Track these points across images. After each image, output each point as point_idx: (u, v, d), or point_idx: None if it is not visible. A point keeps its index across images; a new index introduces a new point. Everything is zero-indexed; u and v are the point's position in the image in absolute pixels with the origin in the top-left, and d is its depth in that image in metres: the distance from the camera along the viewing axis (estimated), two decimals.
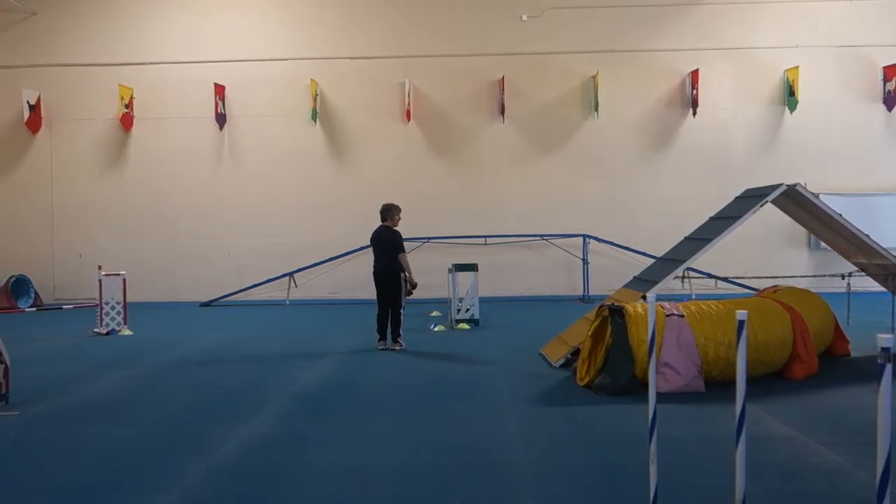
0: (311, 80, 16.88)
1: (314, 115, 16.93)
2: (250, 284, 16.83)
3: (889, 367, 2.69)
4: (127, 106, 17.07)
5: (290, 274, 16.80)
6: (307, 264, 16.81)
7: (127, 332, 12.23)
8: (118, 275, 12.48)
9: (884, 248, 9.02)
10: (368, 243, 10.68)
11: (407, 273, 10.19)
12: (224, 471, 5.26)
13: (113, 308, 12.34)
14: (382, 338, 10.31)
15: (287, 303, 16.58)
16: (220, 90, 17.01)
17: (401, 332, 10.32)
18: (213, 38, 17.29)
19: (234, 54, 17.22)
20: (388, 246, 10.20)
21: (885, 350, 2.69)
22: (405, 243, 10.44)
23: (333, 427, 6.38)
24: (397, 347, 10.23)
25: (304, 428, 6.38)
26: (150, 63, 17.28)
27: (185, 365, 9.44)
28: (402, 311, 10.33)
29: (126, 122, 17.15)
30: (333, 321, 13.58)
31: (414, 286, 10.30)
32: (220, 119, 17.13)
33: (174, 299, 16.90)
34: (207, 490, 4.90)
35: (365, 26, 17.24)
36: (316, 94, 16.92)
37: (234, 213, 17.27)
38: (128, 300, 12.56)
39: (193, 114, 17.17)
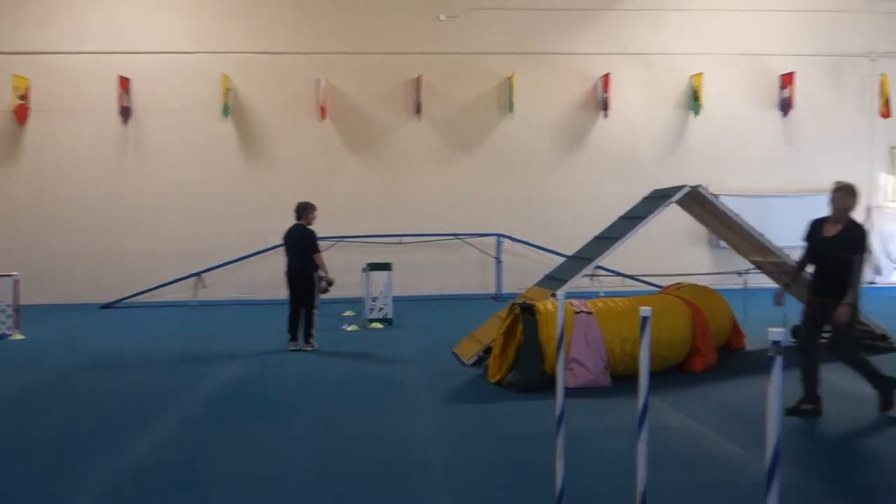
0: (223, 74, 16.46)
1: (226, 111, 16.50)
2: (155, 285, 16.28)
3: (779, 359, 2.83)
4: (22, 97, 16.22)
5: (199, 274, 16.36)
6: (216, 264, 16.39)
7: (18, 336, 11.60)
8: (9, 276, 11.83)
9: (777, 247, 9.47)
10: (281, 242, 10.52)
11: (323, 272, 10.10)
12: (125, 482, 5.08)
13: (3, 311, 11.69)
14: (294, 338, 10.16)
15: (194, 304, 16.15)
16: (124, 83, 16.38)
17: (314, 332, 10.20)
18: (118, 27, 16.61)
19: (141, 45, 16.59)
20: (301, 245, 10.08)
21: (776, 343, 2.82)
22: (319, 242, 10.33)
23: (243, 431, 6.25)
24: (309, 348, 10.11)
25: (213, 433, 6.22)
26: (48, 52, 16.46)
27: (83, 370, 9.06)
28: (315, 311, 10.21)
29: (20, 114, 16.27)
30: (244, 322, 13.30)
31: (331, 284, 10.22)
32: (125, 113, 16.49)
33: (73, 301, 16.12)
34: (111, 499, 4.73)
35: (280, 21, 16.93)
36: (228, 89, 16.51)
37: (140, 211, 16.64)
38: (21, 302, 11.93)
39: (95, 107, 16.43)
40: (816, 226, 6.52)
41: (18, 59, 16.32)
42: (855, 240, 6.25)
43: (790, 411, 6.22)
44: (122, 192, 16.62)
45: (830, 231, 6.36)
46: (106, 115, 16.44)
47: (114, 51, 16.51)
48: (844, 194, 6.32)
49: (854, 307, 6.21)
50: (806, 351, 6.44)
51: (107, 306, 15.91)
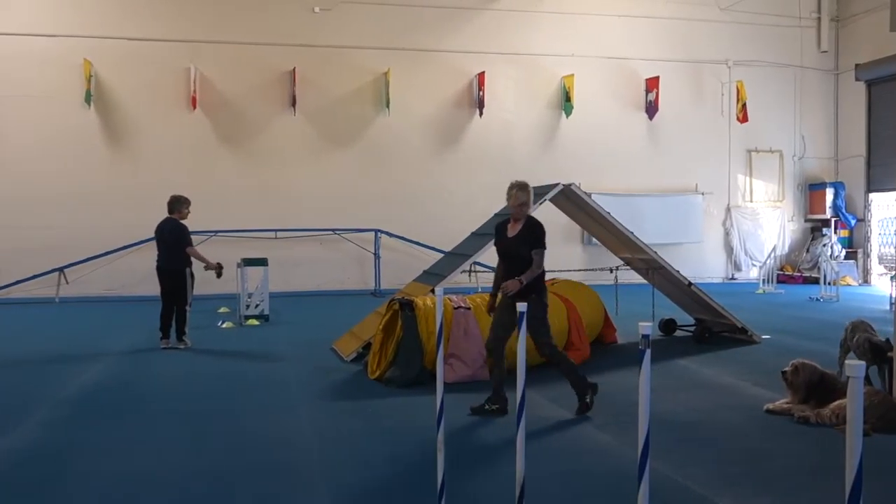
0: (85, 59, 15.56)
1: (88, 98, 15.62)
2: (12, 281, 15.23)
3: (648, 351, 2.96)
4: None
5: (61, 269, 15.43)
6: (80, 258, 15.51)
7: None
8: None
9: (645, 245, 9.92)
10: (151, 236, 10.08)
11: (204, 263, 9.80)
12: None
13: None
14: (166, 336, 9.76)
15: (57, 301, 15.22)
16: None
17: (186, 329, 9.84)
18: None
19: None
20: (171, 239, 9.70)
21: (646, 337, 2.95)
22: (192, 236, 9.98)
23: (109, 433, 5.95)
24: (182, 346, 9.75)
25: (76, 436, 5.89)
26: None
27: None
28: (188, 307, 9.86)
29: None
30: (111, 320, 12.65)
31: (221, 268, 10.03)
32: None
33: None
34: None
35: (147, 5, 16.16)
36: (90, 76, 15.62)
37: None
38: None
39: None
40: (501, 228, 6.67)
41: None
42: (532, 236, 6.40)
43: (475, 410, 6.42)
44: None
45: (513, 231, 6.52)
46: None
47: None
48: (518, 191, 6.46)
49: (540, 301, 6.36)
50: (492, 350, 6.59)
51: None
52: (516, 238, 6.45)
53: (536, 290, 6.34)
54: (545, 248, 6.39)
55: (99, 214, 15.78)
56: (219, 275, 10.09)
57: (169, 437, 5.85)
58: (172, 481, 4.87)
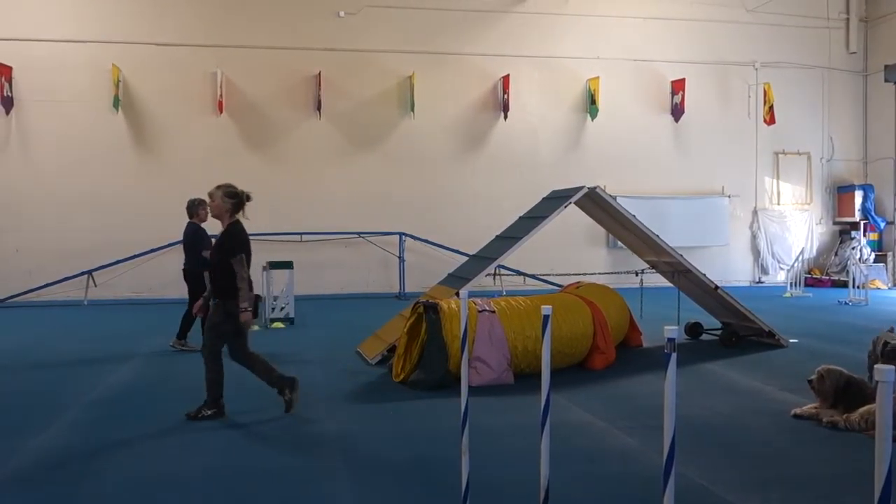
0: (113, 65, 15.78)
1: (116, 103, 15.83)
2: (42, 284, 15.47)
3: (674, 355, 2.94)
4: None
5: (89, 272, 15.63)
6: (108, 262, 15.71)
7: None
8: None
9: (671, 248, 9.85)
10: (177, 239, 10.19)
11: None
12: (14, 487, 4.81)
13: None
14: (180, 337, 9.83)
15: (86, 303, 15.42)
16: (5, 71, 15.47)
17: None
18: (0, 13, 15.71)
19: (23, 32, 15.72)
20: (188, 242, 9.80)
21: (671, 340, 2.93)
22: (215, 239, 10.04)
23: (137, 434, 6.02)
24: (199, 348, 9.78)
25: (105, 437, 5.96)
26: None
27: None
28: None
29: None
30: (138, 322, 12.79)
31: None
32: (7, 103, 15.58)
33: None
34: None
35: (174, 11, 16.36)
36: (118, 81, 15.83)
37: (24, 206, 15.75)
38: None
39: None
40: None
41: None
42: (225, 242, 6.46)
43: (191, 416, 6.38)
44: (6, 185, 15.72)
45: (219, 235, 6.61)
46: None
47: None
48: (214, 191, 6.56)
49: (228, 311, 6.32)
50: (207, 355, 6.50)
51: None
52: (216, 243, 6.66)
53: (223, 295, 6.36)
54: (241, 252, 6.42)
55: (126, 218, 15.97)
56: None
57: (195, 438, 5.90)
58: (197, 482, 4.91)
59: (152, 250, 15.66)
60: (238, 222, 6.58)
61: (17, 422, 6.41)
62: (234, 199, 6.53)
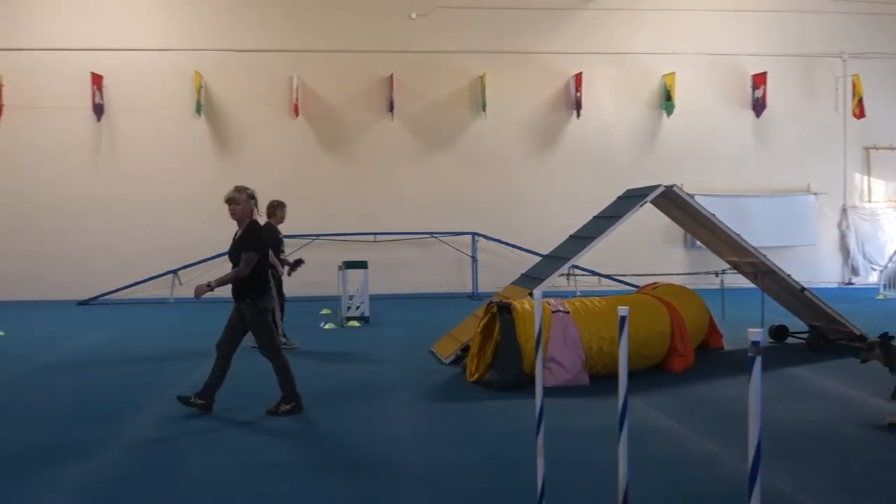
0: (196, 71, 16.29)
1: (198, 108, 16.34)
2: (132, 282, 16.08)
3: (759, 359, 2.83)
4: None
5: (175, 271, 16.17)
6: (192, 261, 16.21)
7: None
8: None
9: (753, 247, 9.55)
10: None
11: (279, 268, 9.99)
12: (105, 477, 5.01)
13: None
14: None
15: (171, 301, 15.96)
16: (97, 79, 16.15)
17: (280, 329, 9.98)
18: (90, 24, 16.38)
19: (113, 42, 16.37)
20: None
21: (755, 343, 2.83)
22: (293, 241, 10.25)
23: (224, 427, 6.19)
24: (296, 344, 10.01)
25: (191, 429, 6.15)
26: (20, 49, 16.20)
27: (61, 366, 8.95)
28: (276, 307, 9.98)
29: None
30: (220, 319, 13.11)
31: (286, 275, 10.06)
32: (98, 110, 16.26)
33: (48, 298, 15.92)
34: (87, 498, 4.65)
35: (252, 19, 16.78)
36: (200, 87, 16.34)
37: (114, 208, 16.42)
38: None
39: (68, 104, 16.19)
40: (235, 234, 6.89)
41: None
42: (245, 238, 6.64)
43: (182, 399, 6.59)
44: (97, 189, 16.43)
45: (237, 234, 6.80)
46: (79, 112, 16.22)
47: (87, 47, 16.29)
48: (237, 196, 6.76)
49: (255, 305, 6.58)
50: (217, 347, 6.76)
51: (84, 303, 15.70)
52: (235, 241, 6.76)
53: (252, 293, 6.54)
54: (256, 252, 6.57)
55: (209, 219, 16.37)
56: (294, 267, 10.21)
57: (273, 433, 6.02)
58: (275, 476, 5.01)
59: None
60: (256, 220, 6.85)
61: (108, 414, 6.66)
62: (253, 199, 6.83)
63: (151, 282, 16.17)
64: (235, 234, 6.85)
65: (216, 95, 16.75)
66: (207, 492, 4.78)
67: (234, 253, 6.67)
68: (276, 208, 10.15)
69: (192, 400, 6.60)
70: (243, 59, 16.70)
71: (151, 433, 6.09)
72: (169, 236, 16.36)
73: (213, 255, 16.20)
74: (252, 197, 6.79)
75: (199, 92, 16.27)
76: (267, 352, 6.61)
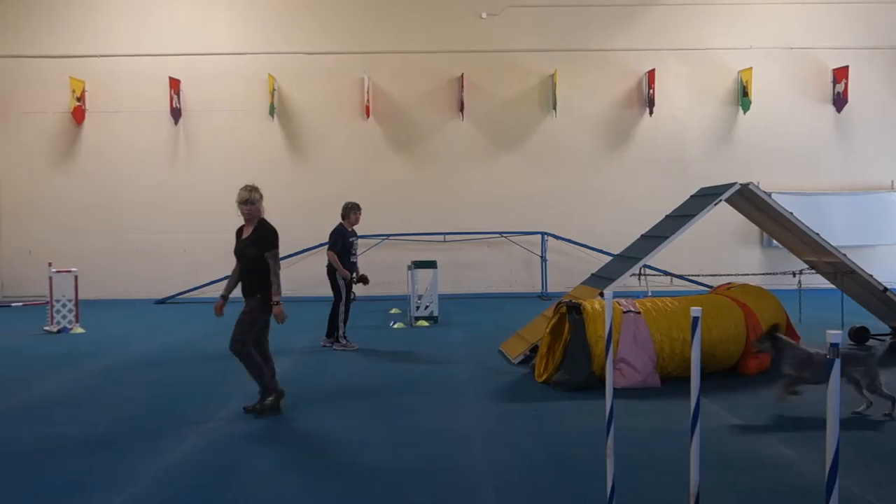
0: (269, 74, 16.69)
1: (272, 111, 16.74)
2: (207, 281, 16.58)
3: (838, 361, 2.76)
4: (79, 99, 16.68)
5: None
6: None
7: (79, 329, 11.97)
8: (69, 272, 12.22)
9: (833, 247, 9.25)
10: (326, 240, 10.61)
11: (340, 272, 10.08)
12: (180, 470, 5.19)
13: (64, 306, 12.07)
14: (328, 335, 10.20)
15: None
16: (174, 84, 16.73)
17: (339, 332, 10.11)
18: (168, 30, 16.98)
19: (190, 47, 16.93)
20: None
21: (834, 346, 2.75)
22: (362, 240, 10.39)
23: (292, 425, 6.33)
24: (332, 346, 10.09)
25: (262, 427, 6.31)
26: (102, 55, 16.90)
27: (140, 363, 9.29)
28: (342, 306, 10.11)
29: (78, 115, 16.76)
30: (292, 318, 13.41)
31: (348, 280, 10.13)
32: (175, 113, 16.85)
33: (127, 296, 16.57)
34: (162, 490, 4.83)
35: (324, 21, 17.10)
36: (273, 90, 16.74)
37: (190, 209, 16.98)
38: (79, 297, 12.30)
39: (148, 108, 16.84)
40: (238, 231, 6.95)
41: (75, 62, 16.82)
42: (263, 238, 6.70)
43: (250, 409, 6.58)
44: (174, 190, 17.02)
45: (246, 233, 6.83)
46: (157, 115, 16.82)
47: (164, 53, 16.88)
48: (242, 191, 6.81)
49: (264, 302, 6.62)
50: (239, 349, 6.59)
51: (161, 301, 16.27)
52: (246, 240, 6.77)
53: (263, 290, 6.63)
54: (277, 249, 6.74)
55: (281, 219, 16.71)
56: (357, 281, 10.29)
57: (342, 431, 6.13)
58: (343, 473, 5.09)
59: (304, 250, 16.41)
60: (265, 219, 6.96)
61: (184, 410, 6.89)
62: (262, 198, 6.96)
63: (224, 281, 16.60)
64: (239, 232, 6.96)
65: (289, 98, 17.12)
66: (277, 487, 4.90)
67: (245, 251, 6.76)
68: (351, 211, 10.28)
69: (258, 406, 6.66)
70: (315, 62, 17.03)
71: (225, 429, 6.27)
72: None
73: (285, 254, 16.57)
74: (262, 196, 6.96)
75: (272, 95, 16.67)
76: (236, 346, 6.59)
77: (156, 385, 8.05)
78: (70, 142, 17.08)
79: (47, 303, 12.22)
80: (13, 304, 15.90)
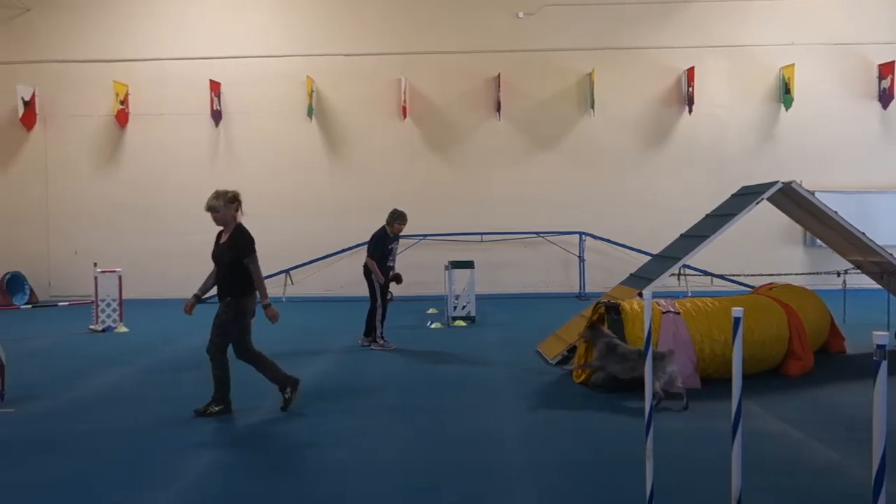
0: (307, 76, 16.84)
1: (310, 112, 16.90)
2: None
3: (885, 363, 2.70)
4: (122, 102, 17.01)
5: (287, 271, 16.77)
6: (303, 261, 16.78)
7: (123, 329, 12.21)
8: (114, 272, 12.47)
9: (879, 246, 9.05)
10: (363, 240, 10.68)
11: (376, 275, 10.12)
12: (223, 467, 5.26)
13: (109, 305, 12.32)
14: (366, 334, 10.28)
15: (284, 300, 16.53)
16: (215, 87, 16.97)
17: (377, 332, 10.17)
18: (208, 34, 17.23)
19: (230, 50, 17.17)
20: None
21: (881, 347, 2.69)
22: (400, 240, 10.45)
23: (331, 424, 6.38)
24: (369, 345, 10.17)
25: (302, 425, 6.38)
26: (144, 59, 17.22)
27: (182, 361, 9.44)
28: (379, 307, 10.16)
29: (121, 118, 17.09)
30: (330, 318, 13.56)
31: (383, 282, 10.17)
32: (216, 116, 17.08)
33: (168, 296, 16.79)
34: (207, 487, 4.90)
35: (361, 23, 17.20)
36: (312, 91, 16.89)
37: None
38: (123, 297, 12.55)
39: (189, 110, 17.12)
40: (218, 236, 6.98)
41: (118, 66, 17.15)
42: (238, 245, 6.72)
43: (199, 412, 6.60)
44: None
45: (223, 238, 6.86)
46: (198, 118, 17.09)
47: (205, 56, 17.13)
48: (214, 203, 6.74)
49: (234, 304, 6.71)
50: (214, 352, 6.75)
51: (202, 301, 16.46)
52: (223, 245, 6.79)
53: (235, 294, 6.69)
54: (254, 252, 6.78)
55: (319, 219, 16.99)
56: (392, 284, 10.34)
57: (380, 431, 6.16)
58: (382, 473, 5.12)
59: (343, 250, 16.53)
60: (241, 224, 6.95)
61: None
62: (235, 202, 6.87)
63: (265, 281, 16.76)
64: (219, 237, 6.98)
65: (327, 99, 17.26)
66: (318, 486, 4.94)
67: (222, 257, 6.81)
68: (396, 220, 10.24)
69: (284, 405, 6.77)
70: (353, 63, 17.14)
71: (262, 428, 6.35)
72: (281, 236, 16.92)
73: (322, 255, 16.74)
74: (233, 200, 6.84)
75: (310, 96, 16.82)
76: (212, 349, 6.72)
77: (198, 383, 8.16)
78: (114, 145, 17.43)
79: (92, 302, 12.49)
80: (60, 304, 16.29)
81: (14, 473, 5.22)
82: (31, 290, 16.87)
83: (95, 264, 12.97)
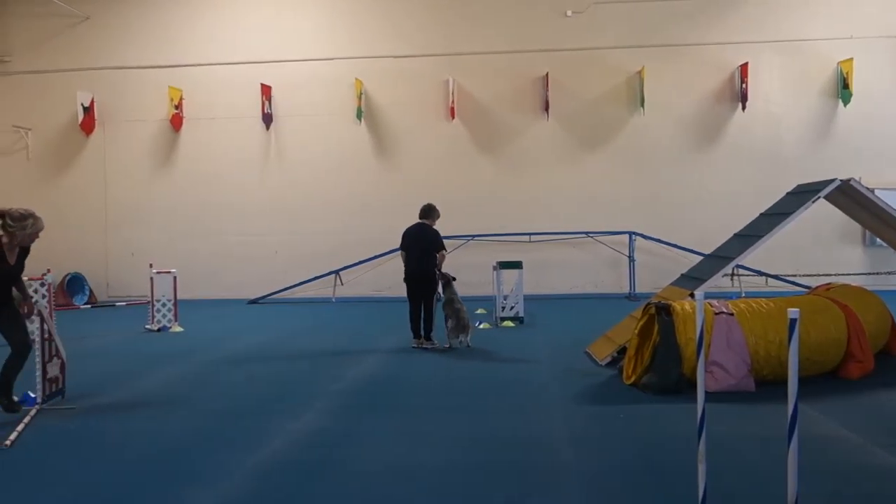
0: (356, 79, 16.99)
1: (359, 114, 17.04)
2: (297, 282, 17.01)
3: None
4: (176, 107, 17.40)
5: (336, 272, 16.93)
6: (352, 262, 16.92)
7: (178, 328, 12.48)
8: (169, 273, 12.76)
9: None
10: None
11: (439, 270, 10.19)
12: (272, 466, 5.33)
13: (164, 305, 12.61)
14: (418, 336, 10.29)
15: (333, 300, 16.72)
16: (266, 90, 17.23)
17: (431, 331, 10.29)
18: (259, 38, 17.52)
19: (280, 54, 17.43)
20: (430, 244, 10.17)
21: None
22: (448, 241, 10.47)
23: (379, 424, 6.41)
24: (427, 345, 10.20)
25: (351, 425, 6.42)
26: (197, 64, 17.58)
27: (235, 361, 9.60)
28: (433, 309, 10.28)
29: (176, 122, 17.47)
30: (378, 318, 13.64)
31: (447, 279, 10.27)
32: (267, 119, 17.34)
33: (222, 297, 17.18)
34: (255, 485, 4.97)
35: (409, 25, 17.29)
36: (360, 93, 17.03)
37: (281, 212, 17.47)
38: (178, 297, 12.82)
39: (241, 114, 17.42)
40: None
41: (173, 71, 17.55)
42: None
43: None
44: (267, 193, 17.54)
45: (11, 258, 6.85)
46: (250, 121, 17.37)
47: (255, 60, 17.41)
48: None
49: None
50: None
51: (254, 301, 16.78)
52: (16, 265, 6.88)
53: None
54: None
55: (368, 220, 17.12)
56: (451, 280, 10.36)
57: (426, 431, 6.16)
58: (427, 474, 5.11)
59: (391, 251, 16.61)
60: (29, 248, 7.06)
61: (276, 407, 7.07)
62: (27, 220, 6.76)
63: (315, 281, 17.01)
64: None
65: (375, 101, 17.38)
66: (365, 485, 4.97)
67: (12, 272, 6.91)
68: (432, 211, 10.36)
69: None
70: (401, 65, 17.23)
71: (316, 425, 6.41)
72: (331, 238, 17.17)
73: (372, 255, 16.85)
74: (24, 218, 6.68)
75: (359, 98, 16.96)
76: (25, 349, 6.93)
77: (250, 382, 8.30)
78: (168, 148, 17.84)
79: (148, 303, 12.78)
80: (118, 304, 16.72)
81: (74, 467, 5.37)
82: (91, 291, 17.36)
83: (151, 265, 13.29)
